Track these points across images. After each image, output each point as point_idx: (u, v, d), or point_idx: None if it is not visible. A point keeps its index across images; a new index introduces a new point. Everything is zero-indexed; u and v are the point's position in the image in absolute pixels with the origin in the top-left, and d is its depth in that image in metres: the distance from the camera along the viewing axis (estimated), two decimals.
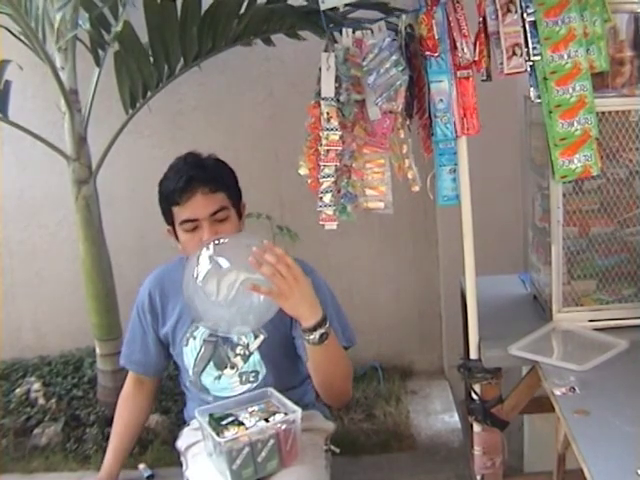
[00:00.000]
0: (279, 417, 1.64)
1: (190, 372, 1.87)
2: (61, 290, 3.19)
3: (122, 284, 2.75)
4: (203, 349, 1.84)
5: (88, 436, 2.58)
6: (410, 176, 1.74)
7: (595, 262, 1.87)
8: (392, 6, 2.33)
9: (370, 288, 3.20)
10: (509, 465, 1.96)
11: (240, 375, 1.83)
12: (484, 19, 1.64)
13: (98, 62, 2.61)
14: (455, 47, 1.64)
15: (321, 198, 1.65)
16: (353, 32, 1.68)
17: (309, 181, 1.68)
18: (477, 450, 1.88)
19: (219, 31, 2.39)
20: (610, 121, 1.78)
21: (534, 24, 1.62)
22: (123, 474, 2.00)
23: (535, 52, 1.63)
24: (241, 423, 1.63)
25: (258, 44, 2.63)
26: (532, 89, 1.70)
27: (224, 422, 1.63)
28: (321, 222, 1.67)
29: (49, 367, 3.00)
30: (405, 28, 1.71)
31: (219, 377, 1.84)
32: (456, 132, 1.69)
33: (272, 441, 1.60)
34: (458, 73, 1.67)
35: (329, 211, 1.66)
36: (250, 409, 1.70)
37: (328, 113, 1.62)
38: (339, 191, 1.67)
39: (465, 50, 1.63)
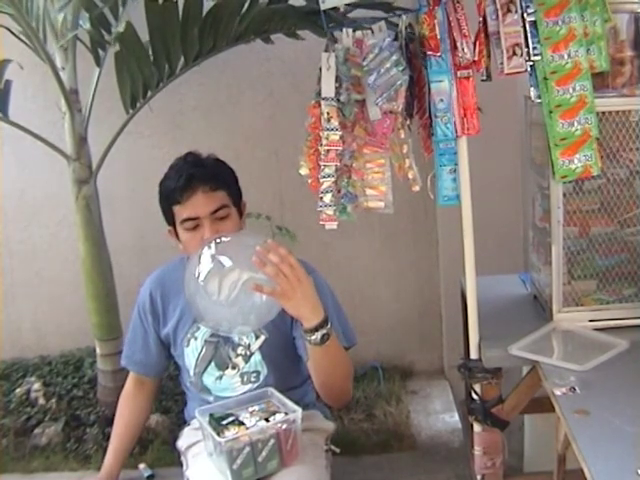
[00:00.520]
0: (279, 417, 1.64)
1: (191, 372, 1.87)
2: (61, 290, 3.19)
3: (122, 284, 2.75)
4: (204, 349, 1.84)
5: (88, 436, 2.58)
6: (410, 176, 1.74)
7: (595, 262, 1.87)
8: (393, 5, 2.33)
9: (370, 288, 3.20)
10: (509, 465, 1.97)
11: (241, 375, 1.83)
12: (484, 19, 1.65)
13: (98, 62, 2.61)
14: (455, 47, 1.64)
15: (321, 198, 1.65)
16: (353, 32, 1.68)
17: (309, 181, 1.68)
18: (477, 450, 1.88)
19: (220, 31, 2.39)
20: (610, 121, 1.78)
21: (534, 24, 1.62)
22: (123, 474, 2.00)
23: (535, 52, 1.63)
24: (241, 423, 1.63)
25: (258, 44, 2.63)
26: (532, 89, 1.70)
27: (224, 422, 1.63)
28: (321, 222, 1.67)
29: (49, 367, 3.00)
30: (405, 28, 1.72)
31: (220, 377, 1.84)
32: (456, 132, 1.69)
33: (272, 441, 1.60)
34: (458, 73, 1.67)
35: (329, 211, 1.66)
36: (250, 409, 1.70)
37: (328, 113, 1.62)
38: (339, 191, 1.67)
39: (465, 50, 1.63)
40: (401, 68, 1.60)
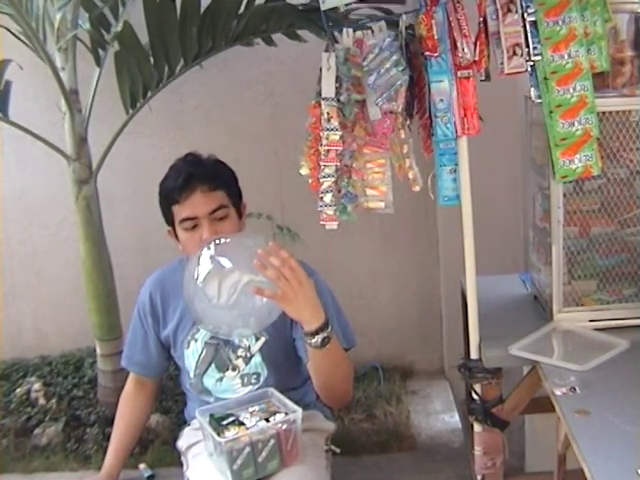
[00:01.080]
0: (280, 417, 1.64)
1: (191, 374, 1.87)
2: (62, 290, 3.19)
3: (123, 284, 2.75)
4: (204, 351, 1.84)
5: (88, 436, 2.58)
6: (411, 176, 1.74)
7: (596, 262, 1.87)
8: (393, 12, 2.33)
9: (371, 288, 3.20)
10: (510, 465, 1.97)
11: (242, 377, 1.83)
12: (484, 19, 1.64)
13: (98, 62, 2.61)
14: (455, 47, 1.64)
15: (322, 198, 1.65)
16: (353, 32, 1.68)
17: (310, 181, 1.68)
18: (478, 450, 1.88)
19: (219, 30, 2.39)
20: (611, 121, 1.78)
21: (535, 24, 1.62)
22: (124, 474, 2.01)
23: (536, 52, 1.63)
24: (242, 423, 1.63)
25: (258, 44, 2.63)
26: (533, 89, 1.70)
27: (225, 422, 1.63)
28: (322, 222, 1.67)
29: (49, 367, 3.00)
30: (406, 28, 1.72)
31: (221, 379, 1.84)
32: (456, 132, 1.69)
33: (273, 441, 1.60)
34: (458, 73, 1.67)
35: (330, 211, 1.66)
36: (251, 409, 1.71)
37: (328, 113, 1.62)
38: (339, 191, 1.67)
39: (465, 50, 1.63)
40: (401, 68, 1.60)
